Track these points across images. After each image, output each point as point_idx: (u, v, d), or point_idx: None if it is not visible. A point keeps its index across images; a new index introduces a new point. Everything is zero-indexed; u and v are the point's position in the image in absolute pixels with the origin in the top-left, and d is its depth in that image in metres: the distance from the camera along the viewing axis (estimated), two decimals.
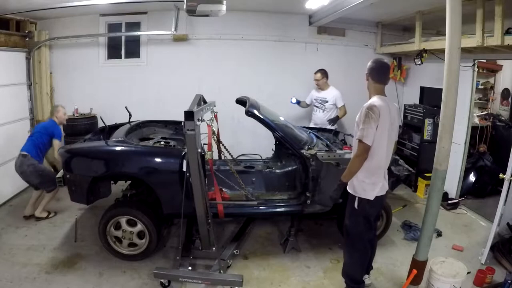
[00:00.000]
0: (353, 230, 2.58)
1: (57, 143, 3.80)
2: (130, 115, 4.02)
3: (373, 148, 2.33)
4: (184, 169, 2.87)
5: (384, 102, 2.39)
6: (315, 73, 4.86)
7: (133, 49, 5.44)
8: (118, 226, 3.11)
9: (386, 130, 2.35)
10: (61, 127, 4.07)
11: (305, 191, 3.24)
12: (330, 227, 3.83)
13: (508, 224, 3.33)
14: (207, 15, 3.37)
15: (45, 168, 3.91)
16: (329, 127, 4.72)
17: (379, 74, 2.48)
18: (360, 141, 2.32)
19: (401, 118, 5.70)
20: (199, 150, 2.66)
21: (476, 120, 5.18)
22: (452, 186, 4.64)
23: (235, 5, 4.47)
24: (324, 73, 4.84)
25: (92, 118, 5.16)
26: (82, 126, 5.00)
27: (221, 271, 2.86)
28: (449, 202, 4.51)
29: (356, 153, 2.37)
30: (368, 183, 2.42)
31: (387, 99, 2.47)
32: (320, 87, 4.89)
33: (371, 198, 2.44)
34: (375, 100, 2.38)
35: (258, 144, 4.75)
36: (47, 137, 3.80)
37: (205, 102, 3.49)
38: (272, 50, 5.52)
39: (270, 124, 3.27)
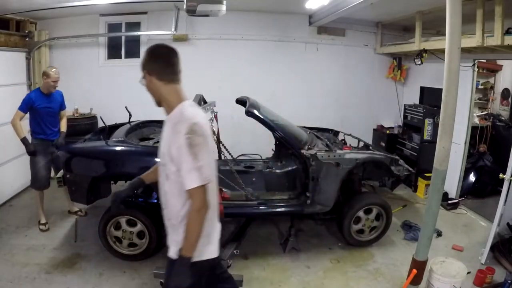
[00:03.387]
0: None
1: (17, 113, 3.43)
2: (130, 115, 4.02)
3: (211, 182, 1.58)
4: None
5: (198, 110, 1.66)
6: None
7: (133, 49, 5.43)
8: (118, 226, 3.11)
9: (212, 151, 1.67)
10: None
11: (305, 191, 3.24)
12: (330, 227, 3.83)
13: (508, 224, 3.33)
14: (207, 15, 3.38)
15: (33, 163, 3.64)
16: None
17: (168, 66, 1.59)
18: (195, 187, 1.48)
19: (401, 118, 5.74)
20: None
21: (476, 120, 5.18)
22: (452, 186, 4.64)
23: (235, 5, 4.46)
24: None
25: (92, 118, 5.16)
26: (82, 126, 5.00)
27: None
28: (449, 202, 4.51)
29: (197, 206, 1.50)
30: (202, 237, 1.56)
31: (196, 104, 1.74)
32: None
33: (213, 255, 1.66)
34: (188, 112, 1.55)
35: (258, 144, 4.75)
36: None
37: (205, 102, 3.49)
38: (272, 50, 5.52)
39: (270, 124, 3.27)
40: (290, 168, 3.81)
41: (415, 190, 5.04)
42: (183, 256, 1.53)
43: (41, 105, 3.54)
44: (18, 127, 3.45)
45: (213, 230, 1.68)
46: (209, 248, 1.64)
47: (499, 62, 5.66)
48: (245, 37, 5.43)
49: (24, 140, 3.51)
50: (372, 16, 5.36)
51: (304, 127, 4.22)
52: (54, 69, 3.61)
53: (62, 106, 3.82)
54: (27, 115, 3.58)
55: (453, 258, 2.83)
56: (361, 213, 3.40)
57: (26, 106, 3.47)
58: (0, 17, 4.47)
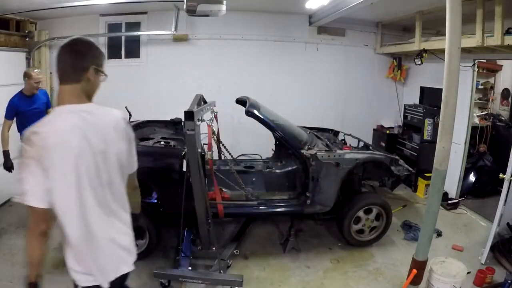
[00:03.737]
0: None
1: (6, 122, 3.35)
2: (130, 115, 4.01)
3: (58, 209, 1.34)
4: (184, 169, 2.87)
5: (72, 117, 1.36)
6: None
7: (133, 49, 5.42)
8: None
9: (77, 172, 1.34)
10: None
11: (305, 191, 3.24)
12: (330, 227, 3.83)
13: (508, 224, 3.33)
14: (207, 15, 3.38)
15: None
16: None
17: (60, 64, 1.48)
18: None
19: (401, 118, 5.74)
20: (199, 150, 2.66)
21: (476, 120, 5.18)
22: (452, 186, 4.64)
23: (235, 5, 4.46)
24: None
25: None
26: None
27: (221, 271, 2.86)
28: (449, 202, 4.51)
29: (28, 226, 1.35)
30: (68, 260, 1.50)
31: (88, 108, 1.42)
32: None
33: (82, 283, 1.52)
34: (47, 118, 1.39)
35: (258, 144, 4.75)
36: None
37: (205, 102, 3.49)
38: (272, 50, 5.52)
39: (270, 124, 3.27)
40: (290, 168, 3.81)
41: (415, 190, 5.04)
42: (26, 279, 1.40)
43: (26, 108, 3.50)
44: (5, 139, 3.42)
45: (94, 265, 1.47)
46: (88, 278, 1.49)
47: (499, 62, 5.66)
48: (245, 37, 5.42)
49: (5, 154, 3.48)
50: (372, 16, 5.35)
51: (304, 127, 4.22)
52: (36, 70, 3.58)
53: (48, 105, 3.78)
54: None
55: (453, 258, 2.84)
56: (361, 213, 3.40)
57: (12, 112, 3.44)
58: (0, 17, 4.47)
